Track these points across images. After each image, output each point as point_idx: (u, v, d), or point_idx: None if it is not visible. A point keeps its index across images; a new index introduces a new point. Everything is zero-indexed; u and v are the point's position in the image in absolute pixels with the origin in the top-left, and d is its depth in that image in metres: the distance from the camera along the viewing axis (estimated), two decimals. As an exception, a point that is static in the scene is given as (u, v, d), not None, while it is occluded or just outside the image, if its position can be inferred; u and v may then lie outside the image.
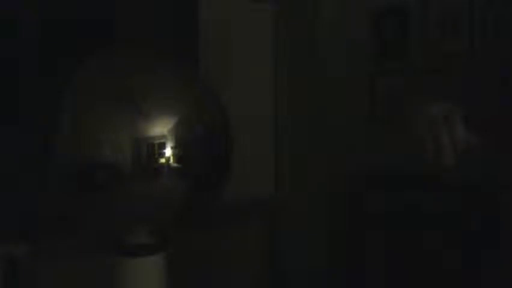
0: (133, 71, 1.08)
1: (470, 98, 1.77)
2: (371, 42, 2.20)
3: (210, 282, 1.84)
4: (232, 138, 1.17)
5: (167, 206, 1.08)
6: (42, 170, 1.11)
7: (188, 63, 1.53)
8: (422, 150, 1.08)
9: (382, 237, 1.92)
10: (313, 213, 2.16)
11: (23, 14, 1.50)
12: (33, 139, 1.29)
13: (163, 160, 1.02)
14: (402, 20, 2.12)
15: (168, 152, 1.02)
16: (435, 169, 1.18)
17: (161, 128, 1.02)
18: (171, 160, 1.02)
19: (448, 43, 2.00)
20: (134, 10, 1.67)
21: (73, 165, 1.03)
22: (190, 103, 1.10)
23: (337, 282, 2.13)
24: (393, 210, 1.89)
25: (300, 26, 2.14)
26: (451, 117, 1.06)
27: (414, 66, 2.08)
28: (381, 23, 2.18)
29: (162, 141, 1.02)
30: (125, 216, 1.08)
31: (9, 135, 1.47)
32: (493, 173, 1.65)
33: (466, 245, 1.73)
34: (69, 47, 1.52)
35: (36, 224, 1.49)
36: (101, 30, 1.61)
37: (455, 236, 1.74)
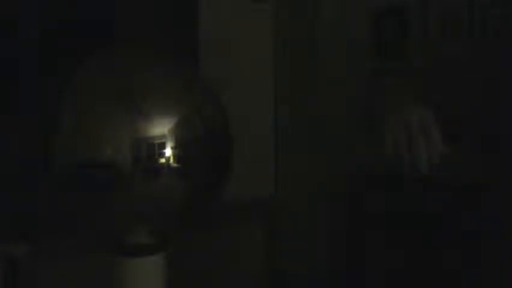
0: (133, 71, 1.08)
1: (470, 99, 1.77)
2: (371, 42, 2.20)
3: (210, 282, 1.84)
4: (232, 138, 1.17)
5: (167, 206, 1.08)
6: (42, 169, 1.11)
7: (188, 63, 1.53)
8: (397, 153, 1.06)
9: (382, 237, 1.92)
10: (313, 213, 2.16)
11: (23, 14, 1.50)
12: (33, 139, 1.29)
13: (163, 160, 1.02)
14: (402, 20, 2.12)
15: (168, 152, 1.02)
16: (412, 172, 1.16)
17: (161, 128, 1.02)
18: (171, 160, 1.02)
19: (448, 43, 2.00)
20: (134, 10, 1.67)
21: (73, 165, 1.03)
22: (190, 103, 1.10)
23: (337, 282, 2.12)
24: (393, 210, 1.88)
25: (300, 26, 2.14)
26: (426, 120, 1.04)
27: (414, 66, 2.08)
28: (381, 23, 2.18)
29: (162, 141, 1.02)
30: (125, 216, 1.08)
31: (9, 134, 1.47)
32: (494, 173, 1.65)
33: (466, 245, 1.73)
34: (69, 47, 1.52)
35: (36, 224, 1.49)
36: (101, 30, 1.61)
37: (455, 236, 1.74)
